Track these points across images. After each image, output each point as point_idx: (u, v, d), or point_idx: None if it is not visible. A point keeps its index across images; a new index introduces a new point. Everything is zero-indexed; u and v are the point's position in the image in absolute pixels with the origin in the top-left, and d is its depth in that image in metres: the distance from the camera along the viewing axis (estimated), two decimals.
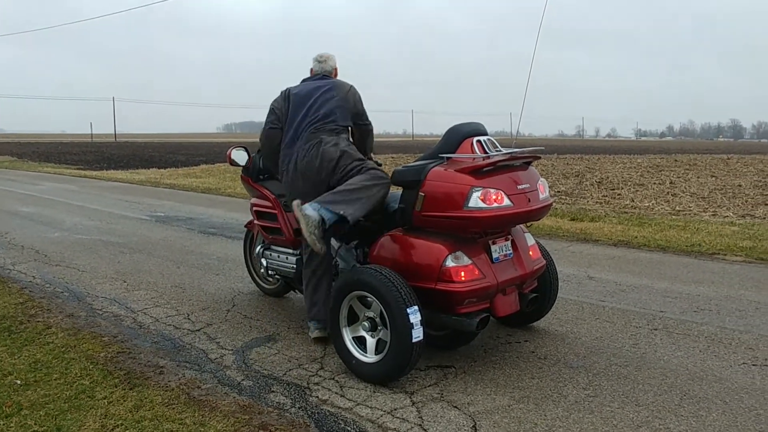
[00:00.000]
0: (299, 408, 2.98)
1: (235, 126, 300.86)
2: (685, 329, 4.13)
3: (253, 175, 4.43)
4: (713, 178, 17.59)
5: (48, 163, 26.38)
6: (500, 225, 3.31)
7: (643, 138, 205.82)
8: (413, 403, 3.03)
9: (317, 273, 3.77)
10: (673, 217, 9.75)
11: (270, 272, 4.50)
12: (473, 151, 3.35)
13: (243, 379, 3.33)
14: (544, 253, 3.92)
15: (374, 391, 3.17)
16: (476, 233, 3.34)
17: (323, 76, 3.98)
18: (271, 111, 3.90)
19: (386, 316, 3.13)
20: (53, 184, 15.45)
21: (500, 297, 3.38)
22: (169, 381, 3.28)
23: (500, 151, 3.42)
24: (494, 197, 3.12)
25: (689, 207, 11.12)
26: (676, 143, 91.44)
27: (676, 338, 3.96)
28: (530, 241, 3.69)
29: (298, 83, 4.01)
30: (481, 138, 3.42)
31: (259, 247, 4.61)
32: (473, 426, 2.80)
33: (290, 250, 4.27)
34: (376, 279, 3.15)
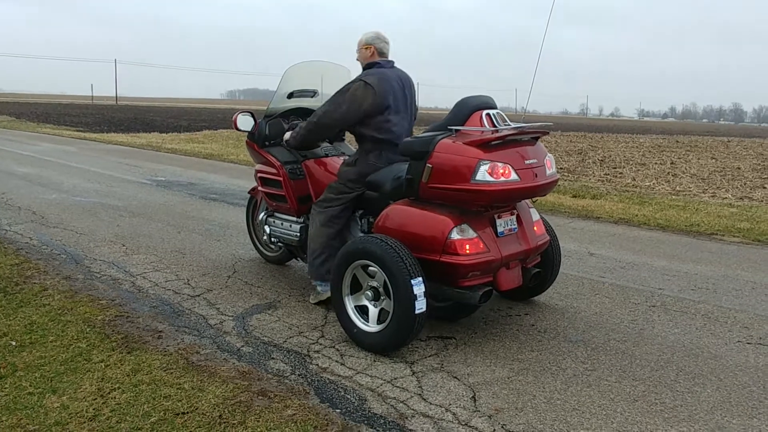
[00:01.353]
0: (299, 375, 2.99)
1: (238, 92, 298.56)
2: (682, 307, 4.15)
3: (258, 141, 4.37)
4: (713, 160, 17.53)
5: (47, 124, 26.15)
6: (507, 199, 3.29)
7: (645, 118, 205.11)
8: (413, 373, 3.05)
9: (336, 239, 3.85)
10: (673, 197, 9.75)
11: (273, 239, 4.49)
12: (482, 125, 3.31)
13: (243, 346, 3.33)
14: (549, 229, 3.91)
15: (374, 360, 3.19)
16: (482, 207, 3.31)
17: (393, 64, 3.85)
18: (347, 113, 3.66)
19: (390, 286, 3.12)
20: (52, 146, 15.33)
21: (504, 271, 3.37)
22: (167, 346, 3.28)
23: (509, 125, 3.38)
24: (502, 171, 3.09)
25: (689, 188, 11.11)
26: (678, 124, 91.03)
27: (674, 315, 3.98)
28: (535, 216, 3.67)
29: (379, 70, 3.70)
30: (491, 111, 3.38)
31: (262, 214, 4.59)
32: (472, 396, 2.82)
33: (294, 218, 4.26)
34: (381, 248, 3.13)
